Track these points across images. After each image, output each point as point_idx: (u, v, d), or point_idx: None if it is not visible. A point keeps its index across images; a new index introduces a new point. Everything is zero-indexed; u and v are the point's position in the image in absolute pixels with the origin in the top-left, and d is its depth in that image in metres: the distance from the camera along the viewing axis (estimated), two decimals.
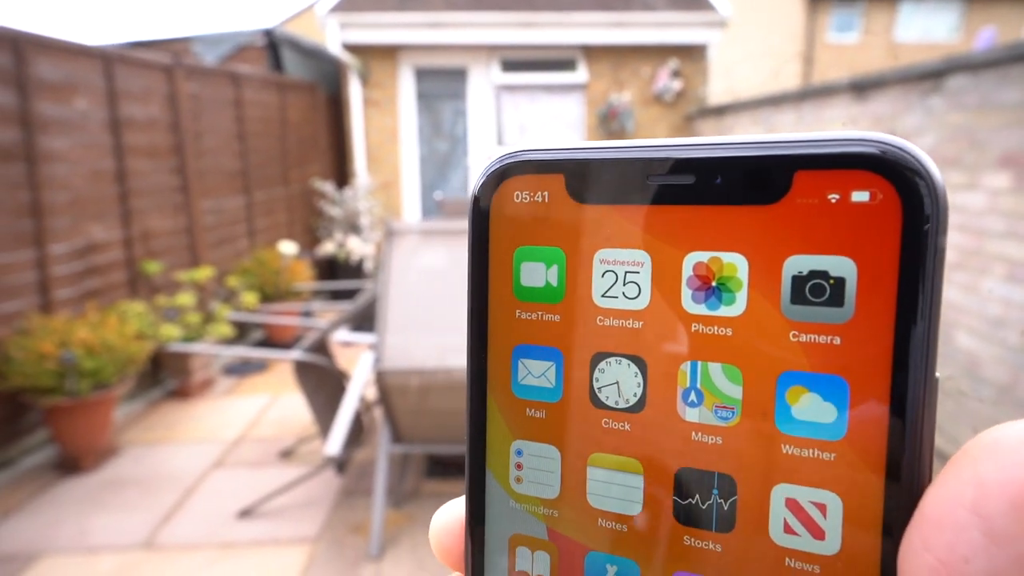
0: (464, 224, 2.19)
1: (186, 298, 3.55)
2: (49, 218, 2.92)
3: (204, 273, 3.79)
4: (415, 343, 2.27)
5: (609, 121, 6.42)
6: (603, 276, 0.20)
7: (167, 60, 3.80)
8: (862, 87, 3.31)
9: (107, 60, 3.30)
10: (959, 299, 2.64)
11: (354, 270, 5.73)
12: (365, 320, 2.69)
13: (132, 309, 3.20)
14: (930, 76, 2.81)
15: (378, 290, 2.35)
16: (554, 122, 6.72)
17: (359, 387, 2.23)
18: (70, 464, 2.75)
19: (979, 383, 2.54)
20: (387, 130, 6.51)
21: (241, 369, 3.99)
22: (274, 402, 3.54)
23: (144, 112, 3.60)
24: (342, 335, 2.54)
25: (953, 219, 2.67)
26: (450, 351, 2.28)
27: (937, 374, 0.18)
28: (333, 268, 5.86)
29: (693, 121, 6.36)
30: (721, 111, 5.48)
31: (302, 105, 5.73)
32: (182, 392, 3.57)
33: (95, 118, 3.24)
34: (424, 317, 2.30)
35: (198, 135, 4.12)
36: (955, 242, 2.66)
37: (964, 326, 2.61)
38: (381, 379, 2.20)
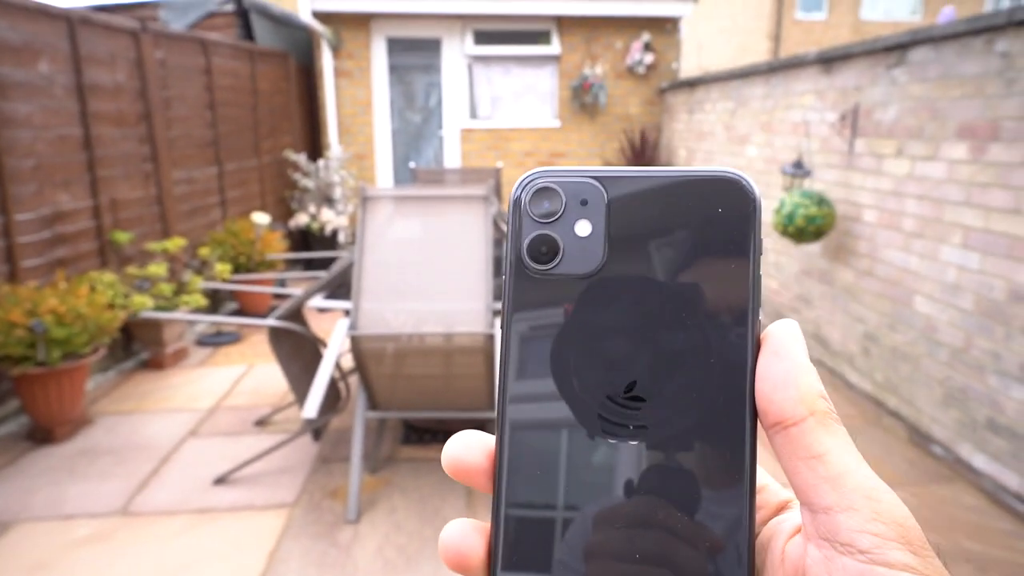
0: (438, 191, 2.22)
1: (157, 268, 3.51)
2: (13, 185, 2.85)
3: (176, 243, 3.75)
4: (390, 309, 2.30)
5: (582, 94, 6.42)
6: None
7: (133, 24, 3.70)
8: (829, 60, 3.37)
9: (70, 23, 3.21)
10: (918, 266, 2.74)
11: (328, 242, 5.69)
12: (340, 288, 2.69)
13: (102, 279, 3.16)
14: (895, 49, 2.87)
15: (353, 257, 2.36)
16: (527, 94, 6.69)
17: (334, 352, 2.25)
18: (43, 434, 2.73)
19: (935, 346, 2.65)
20: (360, 101, 6.44)
21: (215, 340, 3.97)
22: (249, 372, 3.54)
23: (110, 78, 3.52)
24: (317, 302, 2.55)
25: (914, 189, 2.75)
26: (425, 318, 2.31)
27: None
28: (307, 240, 5.82)
29: (665, 94, 6.39)
30: (692, 84, 5.52)
31: (273, 75, 5.63)
32: (155, 363, 3.55)
33: (59, 83, 3.16)
34: (399, 284, 2.32)
35: (167, 103, 4.04)
36: (915, 212, 2.74)
37: (923, 292, 2.71)
38: (356, 344, 2.22)
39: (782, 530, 0.24)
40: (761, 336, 0.24)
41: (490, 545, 0.24)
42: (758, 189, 0.24)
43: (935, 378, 2.64)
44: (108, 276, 3.21)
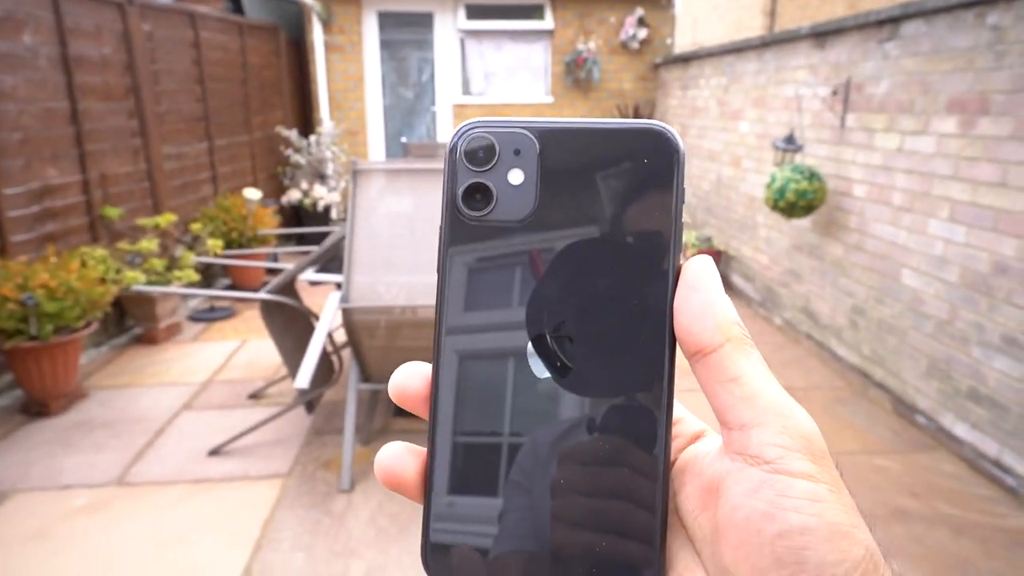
0: (429, 164, 2.21)
1: (149, 244, 3.50)
2: (0, 158, 2.84)
3: (167, 219, 3.73)
4: (382, 282, 2.31)
5: (575, 69, 6.37)
6: None
7: None
8: (822, 34, 3.36)
9: None
10: (906, 240, 2.76)
11: (321, 218, 5.68)
12: (332, 261, 2.70)
13: (93, 254, 3.15)
14: (887, 22, 2.87)
15: (345, 230, 2.37)
16: (520, 70, 6.64)
17: (326, 324, 2.27)
18: (37, 407, 2.75)
19: (921, 319, 2.68)
20: (351, 77, 6.38)
21: (208, 315, 3.98)
22: (242, 347, 3.55)
23: (97, 51, 3.48)
24: (309, 275, 2.56)
25: (903, 163, 2.77)
26: (417, 290, 2.33)
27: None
28: (300, 216, 5.80)
29: (659, 69, 6.36)
30: (686, 60, 5.49)
31: (263, 49, 5.57)
32: (149, 338, 3.56)
33: (44, 55, 3.12)
34: (391, 257, 2.33)
35: (155, 77, 4.00)
36: (905, 186, 2.76)
37: (910, 266, 2.74)
38: (348, 317, 2.24)
39: (698, 454, 0.26)
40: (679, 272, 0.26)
41: (425, 467, 0.26)
42: (682, 141, 0.25)
43: (920, 350, 2.68)
44: (99, 251, 3.20)
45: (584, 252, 0.25)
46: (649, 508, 0.24)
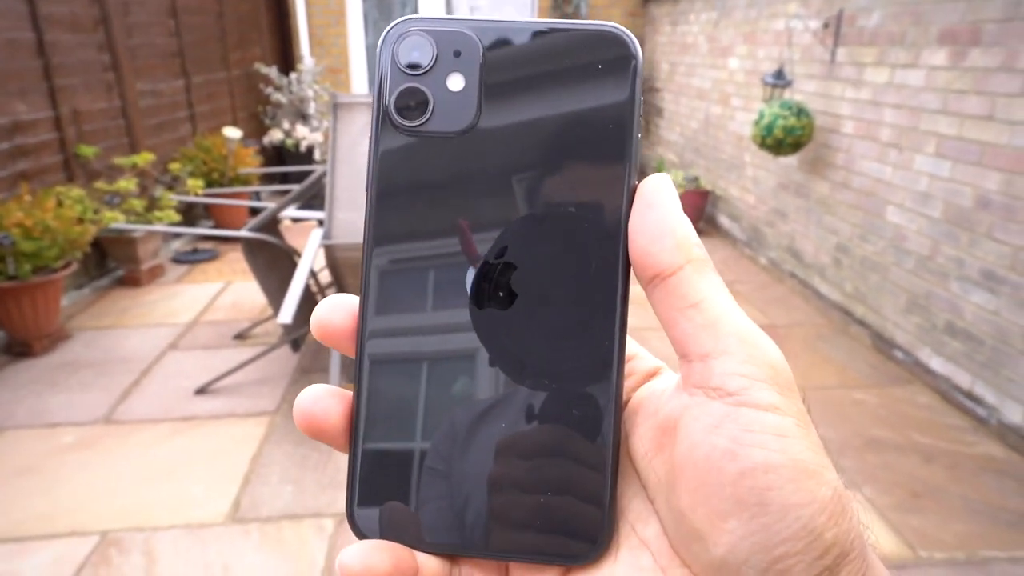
0: None
1: (127, 184, 3.43)
2: None
3: (144, 158, 3.65)
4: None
5: (563, 4, 6.18)
6: None
7: None
8: None
9: None
10: (892, 177, 2.75)
11: (304, 158, 5.57)
12: (314, 199, 2.66)
13: (69, 194, 3.08)
14: None
15: (327, 166, 2.32)
16: (506, 5, 6.44)
17: (309, 259, 2.26)
18: (20, 348, 2.74)
19: (903, 255, 2.70)
20: (332, 11, 6.15)
21: (191, 257, 3.94)
22: (227, 288, 3.53)
23: None
24: (291, 212, 2.52)
25: (892, 98, 2.73)
26: None
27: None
28: (282, 157, 5.69)
29: (648, 5, 6.18)
30: None
31: None
32: (131, 280, 3.53)
33: None
34: None
35: (125, 7, 3.83)
36: (892, 121, 2.74)
37: (894, 202, 2.74)
38: (330, 254, 2.22)
39: (653, 392, 0.24)
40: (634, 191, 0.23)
41: (351, 413, 0.24)
42: (639, 46, 0.23)
43: (901, 286, 2.71)
44: (75, 191, 3.13)
45: (529, 167, 0.23)
46: (597, 460, 0.22)
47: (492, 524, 0.22)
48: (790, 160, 3.54)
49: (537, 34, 0.23)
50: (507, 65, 0.23)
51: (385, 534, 0.23)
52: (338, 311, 0.24)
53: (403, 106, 0.23)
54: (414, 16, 0.24)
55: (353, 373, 0.24)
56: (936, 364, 2.51)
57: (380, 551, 0.22)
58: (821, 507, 0.20)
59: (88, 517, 1.86)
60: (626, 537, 0.23)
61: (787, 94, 3.43)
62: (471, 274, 0.23)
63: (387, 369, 0.23)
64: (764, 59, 3.84)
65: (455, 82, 0.23)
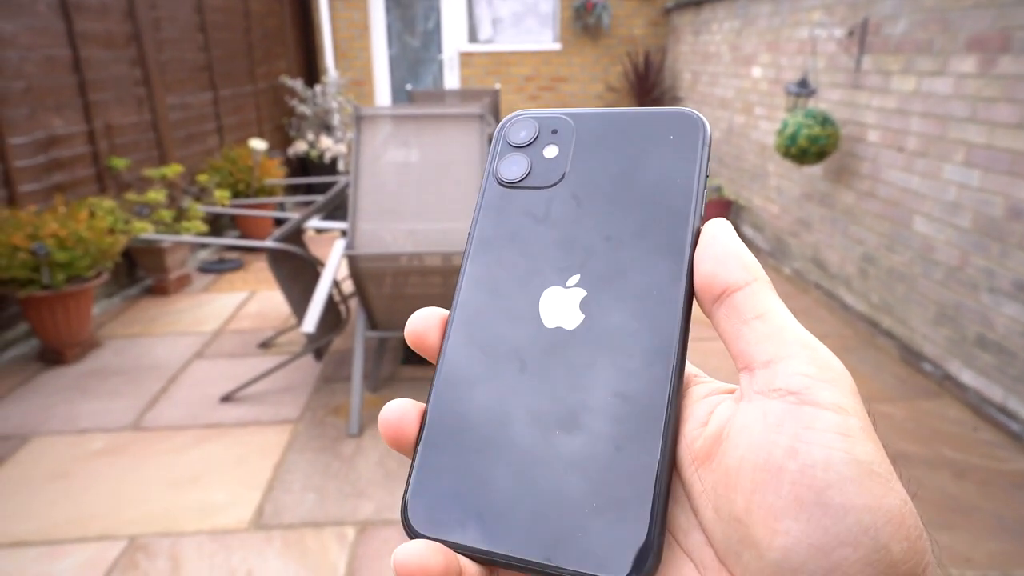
0: (433, 110, 2.17)
1: (157, 195, 3.51)
2: (5, 107, 2.83)
3: (173, 170, 3.73)
4: (387, 230, 2.31)
5: (585, 15, 6.21)
6: None
7: None
8: None
9: None
10: (919, 186, 2.71)
11: (327, 169, 5.65)
12: (338, 210, 2.70)
13: (101, 205, 3.16)
14: None
15: (350, 178, 2.35)
16: (528, 16, 6.48)
17: (332, 269, 2.28)
18: (53, 356, 2.81)
19: (931, 266, 2.65)
20: (356, 24, 6.25)
21: (218, 267, 4.01)
22: (252, 297, 3.58)
23: None
24: (315, 222, 2.56)
25: (919, 107, 2.70)
26: (422, 238, 2.32)
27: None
28: (306, 168, 5.78)
29: (670, 14, 6.18)
30: (699, 3, 5.32)
31: None
32: (159, 289, 3.60)
33: (43, 0, 3.07)
34: (396, 204, 2.32)
35: (156, 24, 3.93)
36: (919, 130, 2.70)
37: (922, 212, 2.70)
38: (354, 264, 2.24)
39: (704, 401, 0.24)
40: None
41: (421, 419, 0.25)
42: (709, 124, 0.27)
43: (929, 297, 2.66)
44: (107, 202, 3.21)
45: (604, 213, 0.26)
46: (647, 480, 0.22)
47: (536, 535, 0.23)
48: (814, 169, 3.50)
49: (623, 115, 0.28)
50: (594, 136, 0.28)
51: (433, 532, 0.24)
52: (431, 323, 0.27)
53: (507, 168, 0.28)
54: (526, 110, 0.30)
55: (431, 382, 0.26)
56: (967, 377, 2.45)
57: (435, 552, 0.22)
58: (887, 516, 0.19)
59: (117, 522, 1.89)
60: (668, 548, 0.23)
61: (811, 103, 3.40)
62: (545, 296, 0.26)
63: (457, 379, 0.26)
64: (787, 68, 3.82)
65: (550, 151, 0.28)
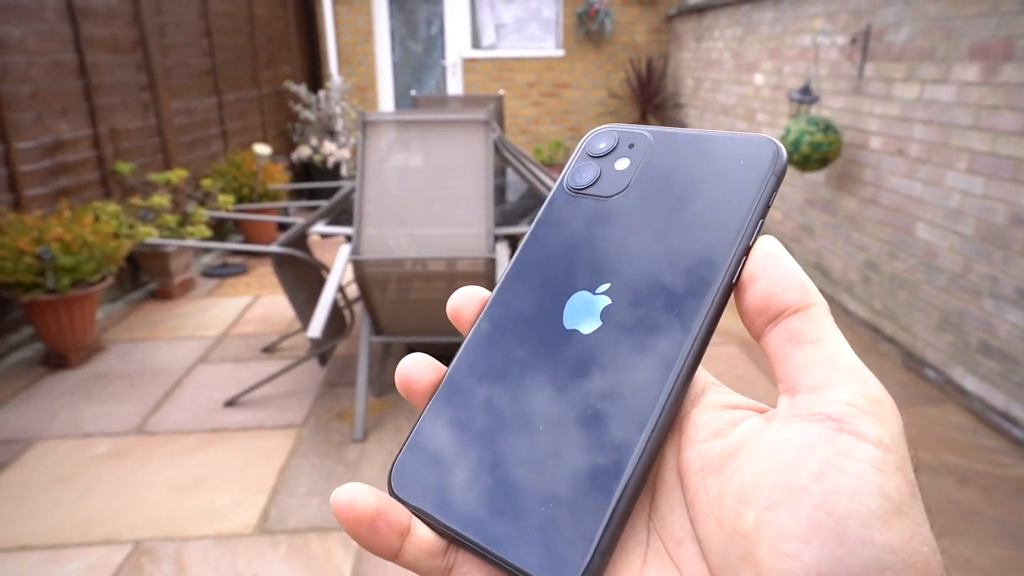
0: (439, 115, 2.17)
1: (161, 199, 3.52)
2: (11, 112, 2.84)
3: (178, 175, 3.74)
4: (392, 235, 2.31)
5: (588, 21, 6.23)
6: None
7: None
8: None
9: None
10: (922, 193, 2.72)
11: (331, 174, 5.66)
12: (342, 215, 2.71)
13: (106, 209, 3.17)
14: None
15: (355, 183, 2.37)
16: (531, 22, 6.50)
17: (337, 275, 2.29)
18: (57, 360, 2.81)
19: (934, 272, 2.66)
20: (360, 30, 6.27)
21: (221, 271, 4.02)
22: (256, 302, 3.59)
23: (102, 2, 3.44)
24: (320, 228, 2.57)
25: (921, 114, 2.71)
26: (427, 243, 2.33)
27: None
28: (310, 173, 5.79)
29: (673, 21, 6.20)
30: (701, 10, 5.34)
31: (270, 1, 5.48)
32: (163, 293, 3.61)
33: (50, 5, 3.09)
34: (401, 210, 2.33)
35: (162, 29, 3.95)
36: (922, 137, 2.71)
37: (925, 219, 2.71)
38: (359, 269, 2.25)
39: (731, 414, 0.23)
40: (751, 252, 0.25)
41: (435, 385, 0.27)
42: (785, 151, 0.26)
43: (932, 304, 2.67)
44: (112, 206, 3.22)
45: (654, 226, 0.26)
46: (606, 494, 0.22)
47: (494, 523, 0.23)
48: (817, 176, 3.51)
49: (702, 137, 0.28)
50: (667, 153, 0.28)
51: (405, 495, 0.25)
52: (472, 300, 0.28)
53: (576, 176, 0.29)
54: (612, 124, 0.30)
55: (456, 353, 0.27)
56: (970, 383, 2.46)
57: (370, 495, 0.23)
58: (910, 561, 0.17)
59: (121, 526, 1.89)
60: (655, 554, 0.22)
61: (814, 110, 3.42)
62: (573, 299, 0.26)
63: (473, 361, 0.27)
64: (790, 75, 3.83)
65: (621, 164, 0.29)
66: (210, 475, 2.14)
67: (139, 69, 3.75)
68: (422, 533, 0.24)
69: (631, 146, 0.29)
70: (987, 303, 2.37)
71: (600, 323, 0.25)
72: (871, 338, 3.03)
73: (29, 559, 1.78)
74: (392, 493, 0.25)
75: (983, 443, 2.24)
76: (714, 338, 0.24)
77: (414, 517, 0.24)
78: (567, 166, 0.30)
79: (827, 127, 3.10)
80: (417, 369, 0.27)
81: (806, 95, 3.37)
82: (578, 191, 0.29)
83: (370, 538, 0.23)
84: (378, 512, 0.23)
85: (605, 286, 0.26)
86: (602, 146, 0.29)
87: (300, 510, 1.96)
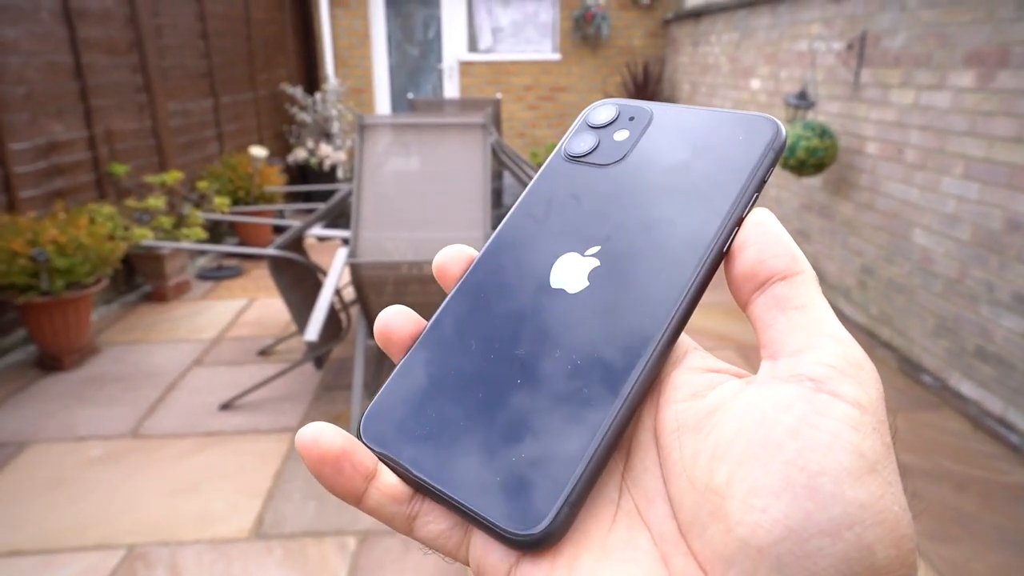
0: (436, 119, 2.18)
1: (156, 201, 3.50)
2: (6, 113, 2.82)
3: (173, 177, 3.72)
4: (389, 239, 2.31)
5: (584, 25, 6.24)
6: None
7: None
8: None
9: None
10: (918, 198, 2.73)
11: (327, 177, 5.65)
12: (339, 218, 2.70)
13: (101, 211, 3.15)
14: None
15: (352, 186, 2.36)
16: (528, 26, 6.51)
17: (334, 278, 2.28)
18: (51, 362, 2.79)
19: (930, 278, 2.67)
20: (356, 33, 6.27)
21: (217, 274, 4.00)
22: (251, 305, 3.58)
23: (98, 3, 3.42)
24: (317, 230, 2.56)
25: (917, 120, 2.72)
26: (424, 247, 2.33)
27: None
28: (306, 175, 5.78)
29: (669, 26, 6.22)
30: (698, 15, 5.36)
31: (267, 3, 5.47)
32: (158, 296, 3.59)
33: (45, 7, 3.08)
34: (398, 213, 2.32)
35: (158, 31, 3.94)
36: (918, 143, 2.72)
37: (921, 224, 2.72)
38: (355, 272, 2.24)
39: (710, 377, 0.23)
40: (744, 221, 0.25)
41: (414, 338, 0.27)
42: (786, 131, 0.27)
43: (928, 309, 2.67)
44: (107, 208, 3.20)
45: (649, 194, 0.26)
46: (579, 446, 0.22)
47: (463, 474, 0.23)
48: (813, 181, 3.52)
49: (704, 113, 0.28)
50: (667, 127, 0.28)
51: (375, 443, 0.24)
52: (459, 256, 0.28)
53: (575, 144, 0.29)
54: (615, 98, 0.30)
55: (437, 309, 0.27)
56: (966, 389, 2.46)
57: (336, 435, 0.22)
58: (879, 517, 0.17)
59: (115, 530, 1.88)
60: (625, 514, 0.22)
61: (810, 115, 3.43)
62: (561, 259, 0.26)
63: (456, 314, 0.27)
64: (786, 80, 3.84)
65: (620, 135, 0.29)
66: (205, 479, 2.12)
67: (135, 71, 3.74)
68: (388, 479, 0.23)
69: (631, 119, 0.29)
70: (983, 308, 2.38)
71: (587, 284, 0.25)
72: (867, 343, 3.03)
73: (22, 564, 1.76)
74: (360, 439, 0.24)
75: (980, 449, 2.24)
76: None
77: (381, 464, 0.24)
78: (566, 135, 0.30)
79: (823, 132, 3.11)
80: (398, 320, 0.26)
81: (802, 100, 3.38)
82: (575, 159, 0.29)
83: (334, 478, 0.23)
84: (343, 452, 0.22)
85: (595, 248, 0.26)
86: (602, 117, 0.29)
87: (295, 515, 1.95)
